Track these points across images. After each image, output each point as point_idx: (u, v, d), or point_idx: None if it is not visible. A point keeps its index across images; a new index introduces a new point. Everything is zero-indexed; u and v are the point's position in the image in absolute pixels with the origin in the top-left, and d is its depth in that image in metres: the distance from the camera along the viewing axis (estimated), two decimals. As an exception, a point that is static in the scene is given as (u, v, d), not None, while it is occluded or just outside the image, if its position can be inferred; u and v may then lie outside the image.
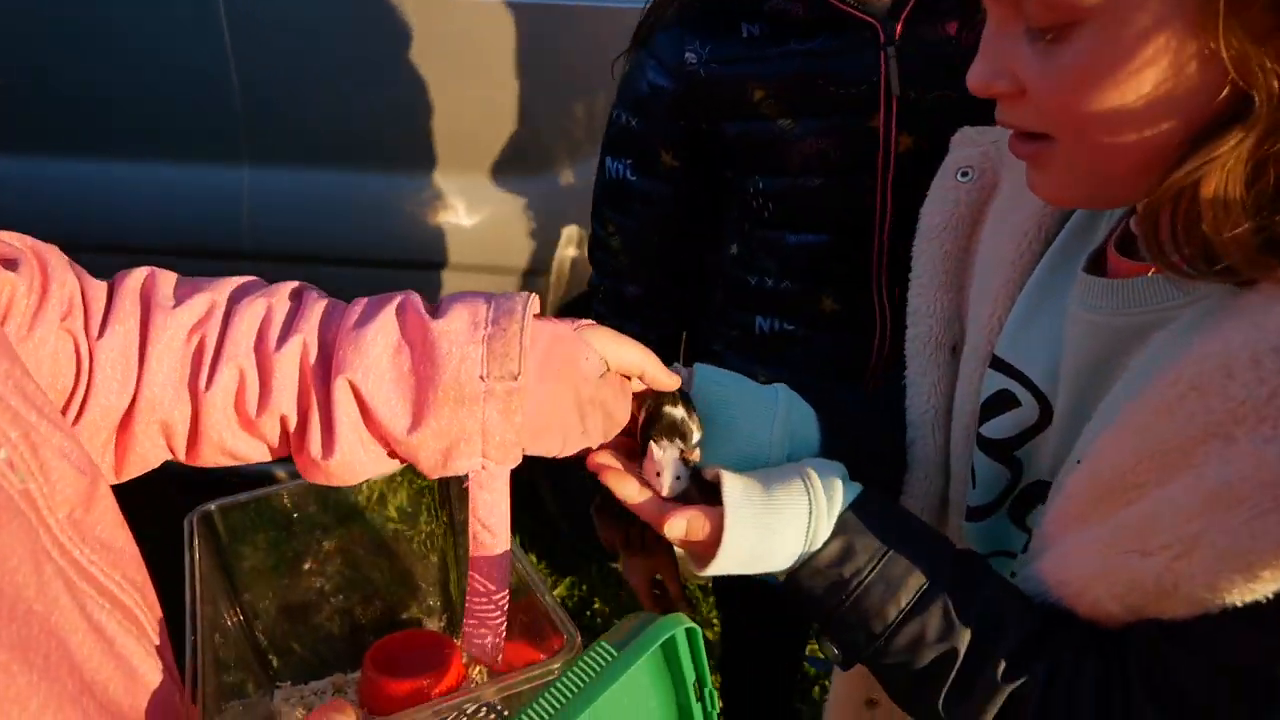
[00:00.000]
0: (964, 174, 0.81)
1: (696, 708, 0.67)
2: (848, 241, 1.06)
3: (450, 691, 1.02)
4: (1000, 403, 0.75)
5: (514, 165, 2.10)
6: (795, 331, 1.13)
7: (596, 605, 2.45)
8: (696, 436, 0.65)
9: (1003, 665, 0.61)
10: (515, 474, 0.64)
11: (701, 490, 0.66)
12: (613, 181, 1.15)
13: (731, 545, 0.60)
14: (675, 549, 1.48)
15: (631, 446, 0.70)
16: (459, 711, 0.70)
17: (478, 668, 1.07)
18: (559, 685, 0.61)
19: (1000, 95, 0.60)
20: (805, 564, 0.62)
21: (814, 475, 0.63)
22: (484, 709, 0.73)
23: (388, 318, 0.60)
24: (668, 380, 0.67)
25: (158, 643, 0.56)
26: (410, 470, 1.08)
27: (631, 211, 1.15)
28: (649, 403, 0.66)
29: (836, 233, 1.06)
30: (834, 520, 0.62)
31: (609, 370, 0.63)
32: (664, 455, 0.63)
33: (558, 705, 0.59)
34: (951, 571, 0.64)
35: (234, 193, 2.11)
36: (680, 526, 0.61)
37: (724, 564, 0.62)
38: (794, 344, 1.13)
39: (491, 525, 0.65)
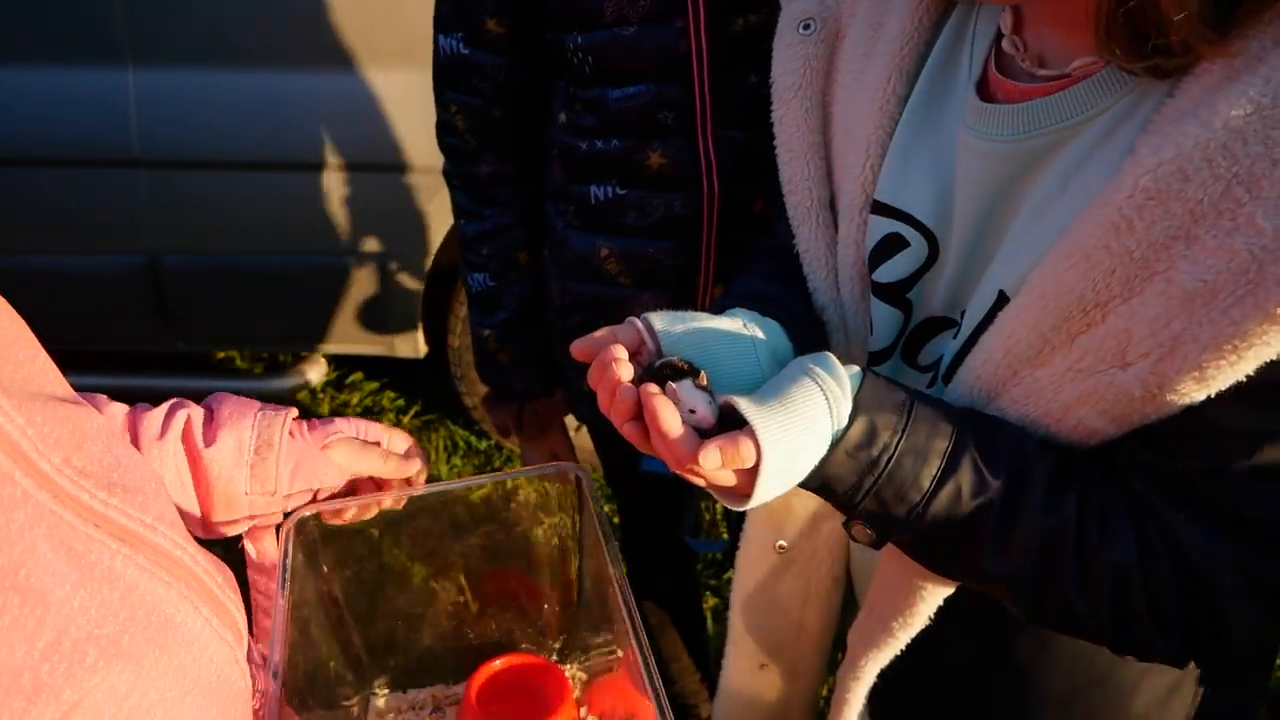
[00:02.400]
0: (805, 27, 0.79)
1: None
2: (668, 90, 1.07)
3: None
4: (889, 247, 0.75)
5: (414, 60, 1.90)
6: (628, 196, 1.14)
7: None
8: (694, 366, 0.65)
9: (1040, 503, 0.62)
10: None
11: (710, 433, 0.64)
12: (448, 59, 1.16)
13: (770, 456, 0.58)
14: (570, 428, 1.45)
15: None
16: None
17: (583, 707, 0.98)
18: None
19: None
20: (833, 452, 0.61)
21: (815, 368, 0.62)
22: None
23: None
24: (398, 472, 0.83)
25: (215, 594, 0.59)
26: (539, 481, 1.00)
27: (471, 88, 1.16)
28: (638, 374, 0.65)
29: (656, 81, 1.07)
30: (850, 401, 0.61)
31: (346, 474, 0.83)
32: (687, 393, 0.62)
33: None
34: (968, 424, 0.64)
35: (119, 97, 1.97)
36: (715, 456, 0.58)
37: (766, 481, 0.59)
38: (628, 209, 1.14)
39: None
